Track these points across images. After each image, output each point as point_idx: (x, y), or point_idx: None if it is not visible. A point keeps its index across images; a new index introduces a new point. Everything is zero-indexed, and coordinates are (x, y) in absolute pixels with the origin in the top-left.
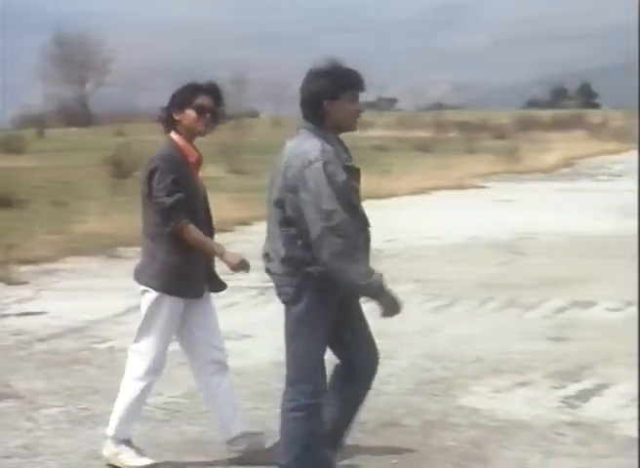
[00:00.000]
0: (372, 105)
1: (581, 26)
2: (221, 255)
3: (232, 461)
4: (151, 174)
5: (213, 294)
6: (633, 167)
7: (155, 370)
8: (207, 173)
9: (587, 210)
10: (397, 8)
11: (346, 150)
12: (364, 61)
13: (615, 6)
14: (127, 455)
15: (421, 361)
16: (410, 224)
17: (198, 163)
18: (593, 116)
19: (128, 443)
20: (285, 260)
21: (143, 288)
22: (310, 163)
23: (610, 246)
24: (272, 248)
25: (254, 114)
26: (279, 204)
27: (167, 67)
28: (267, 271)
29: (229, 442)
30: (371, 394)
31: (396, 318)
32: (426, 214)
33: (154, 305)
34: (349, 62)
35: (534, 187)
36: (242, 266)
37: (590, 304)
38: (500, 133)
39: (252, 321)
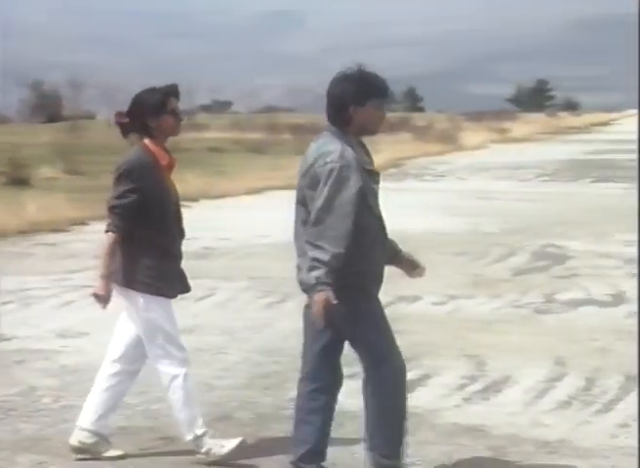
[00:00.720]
0: (207, 108)
1: (405, 34)
2: (100, 277)
3: (68, 458)
4: (119, 178)
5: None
6: (456, 167)
7: (183, 360)
8: (43, 173)
9: (413, 208)
10: (229, 13)
11: (368, 153)
12: (197, 66)
13: (438, 15)
14: (216, 445)
15: (254, 356)
16: (244, 223)
17: (170, 166)
18: (418, 119)
19: (206, 433)
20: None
21: (121, 289)
22: (326, 164)
23: (434, 243)
24: (299, 245)
25: (90, 116)
26: (302, 202)
27: None
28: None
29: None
30: (204, 388)
31: (229, 314)
32: (260, 213)
33: (146, 309)
34: (181, 66)
35: None
36: (101, 300)
37: (415, 299)
38: None
39: (87, 319)
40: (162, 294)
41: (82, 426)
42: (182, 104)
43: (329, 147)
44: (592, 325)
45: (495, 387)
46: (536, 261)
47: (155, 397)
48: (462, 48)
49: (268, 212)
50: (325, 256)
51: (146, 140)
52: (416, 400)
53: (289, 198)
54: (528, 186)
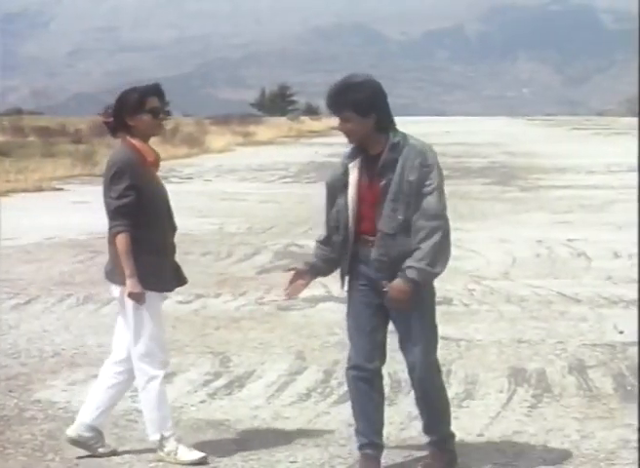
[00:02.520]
0: None
1: (152, 38)
2: (127, 278)
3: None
4: (113, 177)
5: None
6: (202, 170)
7: (164, 362)
8: None
9: None
10: None
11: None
12: None
13: (185, 20)
14: (182, 451)
15: None
16: None
17: (156, 162)
18: (166, 123)
19: (177, 439)
20: None
21: (117, 288)
22: None
23: (180, 243)
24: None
25: None
26: None
27: None
28: None
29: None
30: None
31: None
32: (6, 216)
33: (137, 305)
34: None
35: None
36: (136, 298)
37: None
38: (77, 137)
39: None
40: (156, 289)
41: (82, 420)
42: None
43: None
44: (330, 320)
45: (239, 382)
46: (279, 260)
47: None
48: (210, 53)
49: (15, 215)
50: None
51: (130, 138)
52: None
53: (37, 201)
54: (272, 187)
